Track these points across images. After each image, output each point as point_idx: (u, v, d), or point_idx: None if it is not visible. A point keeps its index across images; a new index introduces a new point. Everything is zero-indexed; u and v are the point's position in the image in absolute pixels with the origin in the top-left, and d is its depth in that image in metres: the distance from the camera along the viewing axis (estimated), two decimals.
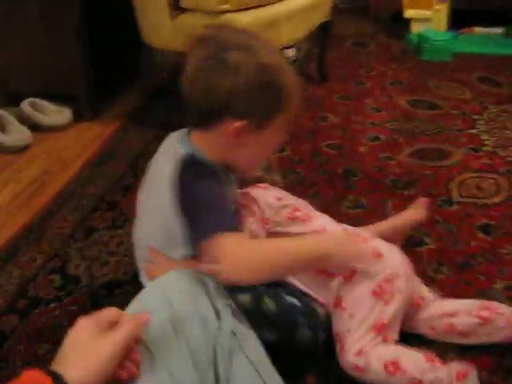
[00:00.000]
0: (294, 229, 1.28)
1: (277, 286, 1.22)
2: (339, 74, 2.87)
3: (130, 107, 2.56)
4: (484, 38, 3.35)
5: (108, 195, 1.93)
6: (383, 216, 1.71)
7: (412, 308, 1.29)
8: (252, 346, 0.96)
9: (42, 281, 1.55)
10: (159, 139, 2.18)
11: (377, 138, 2.27)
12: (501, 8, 3.48)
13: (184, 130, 1.16)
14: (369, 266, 1.21)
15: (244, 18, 2.04)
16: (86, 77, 2.41)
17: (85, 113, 2.45)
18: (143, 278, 1.25)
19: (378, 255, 1.23)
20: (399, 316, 1.23)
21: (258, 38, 1.08)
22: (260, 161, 1.27)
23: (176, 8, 2.08)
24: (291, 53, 2.85)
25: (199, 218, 1.01)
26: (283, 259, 1.04)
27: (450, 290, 1.45)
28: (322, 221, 1.33)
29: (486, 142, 2.25)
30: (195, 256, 1.06)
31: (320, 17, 2.45)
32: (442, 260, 1.59)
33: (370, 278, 1.21)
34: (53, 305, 1.46)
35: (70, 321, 0.82)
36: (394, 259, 1.26)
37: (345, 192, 1.91)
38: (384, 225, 1.52)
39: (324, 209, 1.42)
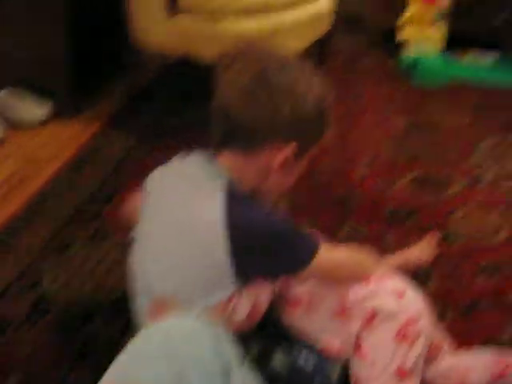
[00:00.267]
0: None
1: (287, 339, 1.12)
2: (334, 91, 2.75)
3: (113, 107, 2.40)
4: (478, 64, 3.29)
5: (89, 204, 1.76)
6: (383, 248, 1.63)
7: (429, 356, 1.19)
8: None
9: (9, 301, 1.38)
10: (143, 144, 2.10)
11: (375, 161, 2.18)
12: (494, 34, 3.45)
13: (207, 153, 1.06)
14: (390, 306, 1.11)
15: (247, 25, 1.92)
16: (68, 71, 2.25)
17: (65, 108, 2.28)
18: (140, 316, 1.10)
19: (400, 294, 1.14)
20: (422, 360, 1.14)
21: (297, 61, 1.05)
22: (288, 186, 1.16)
23: (173, 8, 1.94)
24: None
25: (292, 247, 1.00)
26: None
27: (455, 336, 1.35)
28: None
29: (486, 174, 2.16)
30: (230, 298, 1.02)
31: (322, 29, 2.35)
32: (446, 302, 1.49)
33: (392, 320, 1.11)
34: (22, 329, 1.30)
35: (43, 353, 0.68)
36: (417, 298, 1.17)
37: (342, 219, 1.80)
38: (395, 260, 1.43)
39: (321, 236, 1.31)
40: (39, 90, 2.27)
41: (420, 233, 1.74)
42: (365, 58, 3.28)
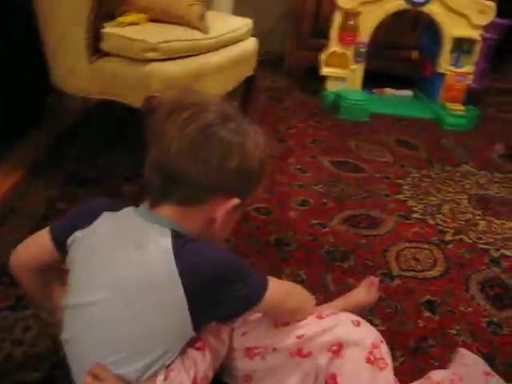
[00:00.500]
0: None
1: None
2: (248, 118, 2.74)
3: (33, 156, 2.25)
4: (395, 100, 3.39)
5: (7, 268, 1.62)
6: (325, 292, 1.63)
7: None
8: None
9: None
10: (66, 194, 1.99)
11: (306, 202, 2.15)
12: (408, 72, 3.58)
13: (142, 206, 1.02)
14: (353, 334, 1.11)
15: (172, 68, 1.86)
16: None
17: None
18: None
19: (356, 323, 1.14)
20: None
21: (239, 114, 1.03)
22: (226, 235, 1.16)
23: (95, 52, 1.86)
24: None
25: (245, 281, 0.98)
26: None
27: (405, 378, 1.31)
28: None
29: (415, 209, 2.20)
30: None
31: (248, 70, 2.33)
32: (394, 344, 1.46)
33: (359, 346, 1.10)
34: None
35: None
36: (371, 326, 1.17)
37: (280, 264, 1.75)
38: (334, 306, 1.38)
39: None
40: None
41: (358, 272, 1.73)
42: (289, 96, 3.31)
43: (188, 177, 0.95)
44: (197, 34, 2.01)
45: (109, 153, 2.32)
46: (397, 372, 1.32)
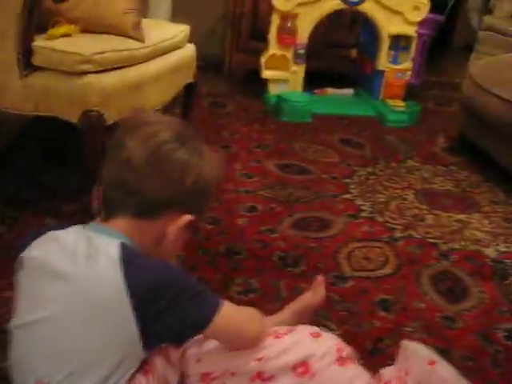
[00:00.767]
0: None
1: None
2: (202, 137, 2.69)
3: None
4: (336, 99, 3.41)
5: None
6: (278, 299, 1.61)
7: None
8: None
9: None
10: (7, 219, 1.91)
11: (254, 208, 2.13)
12: (349, 71, 3.61)
13: (92, 222, 1.04)
14: (316, 349, 1.08)
15: (107, 80, 1.81)
16: None
17: None
18: None
19: (317, 334, 1.12)
20: None
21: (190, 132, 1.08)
22: (178, 251, 1.18)
23: (26, 66, 1.79)
24: None
25: (196, 299, 0.96)
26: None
27: None
28: None
29: (363, 208, 2.21)
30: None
31: (187, 77, 2.29)
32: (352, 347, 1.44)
33: (326, 356, 1.08)
34: None
35: None
36: (329, 333, 1.19)
37: (231, 274, 1.72)
38: (285, 313, 1.37)
39: None
40: None
41: (311, 277, 1.70)
42: (231, 101, 3.29)
43: (144, 190, 0.98)
44: (132, 44, 1.96)
45: (48, 171, 2.24)
46: None
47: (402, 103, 3.24)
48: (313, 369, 1.06)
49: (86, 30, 1.95)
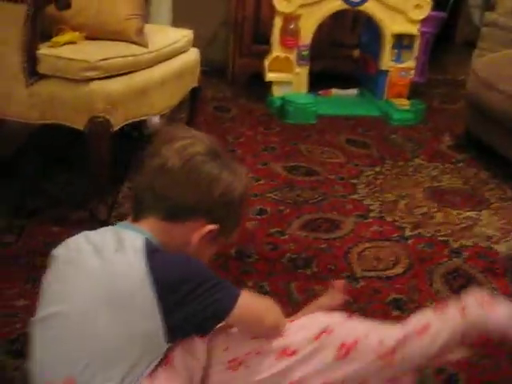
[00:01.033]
0: None
1: None
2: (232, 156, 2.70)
3: None
4: (341, 100, 3.40)
5: None
6: (290, 301, 1.61)
7: None
8: None
9: None
10: (15, 228, 1.91)
11: (263, 211, 2.12)
12: (352, 72, 3.60)
13: (123, 222, 1.10)
14: (332, 319, 1.14)
15: (113, 86, 1.81)
16: None
17: None
18: None
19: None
20: None
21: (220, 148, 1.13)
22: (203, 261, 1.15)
23: (32, 74, 1.79)
24: (156, 119, 2.64)
25: (215, 290, 1.00)
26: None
27: None
28: None
29: (372, 208, 2.20)
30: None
31: (192, 82, 2.29)
32: None
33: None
34: None
35: None
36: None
37: (243, 277, 1.71)
38: (300, 317, 1.34)
39: None
40: None
41: (322, 278, 1.71)
42: (235, 104, 3.28)
43: (173, 196, 1.04)
44: (136, 49, 1.96)
45: (54, 179, 2.24)
46: None
47: (406, 102, 3.23)
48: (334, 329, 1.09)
49: (89, 37, 1.96)
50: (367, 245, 1.94)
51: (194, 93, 2.38)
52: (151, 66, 1.98)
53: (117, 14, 1.98)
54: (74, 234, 1.11)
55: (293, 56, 3.13)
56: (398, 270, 1.81)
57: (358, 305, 1.62)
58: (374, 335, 1.11)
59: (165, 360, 0.99)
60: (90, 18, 1.96)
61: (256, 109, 3.21)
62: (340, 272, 1.77)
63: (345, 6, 3.09)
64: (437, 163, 2.66)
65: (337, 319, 1.13)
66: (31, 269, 1.70)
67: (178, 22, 2.85)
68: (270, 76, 3.17)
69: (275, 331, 1.09)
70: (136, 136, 2.58)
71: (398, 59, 3.24)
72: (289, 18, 3.04)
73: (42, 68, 1.80)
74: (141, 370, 0.95)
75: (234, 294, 1.02)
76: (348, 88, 3.48)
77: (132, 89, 1.86)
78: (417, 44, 3.24)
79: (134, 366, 0.95)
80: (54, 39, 1.88)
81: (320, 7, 3.05)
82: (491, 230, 2.08)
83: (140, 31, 2.01)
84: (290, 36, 3.07)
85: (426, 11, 3.14)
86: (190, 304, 0.97)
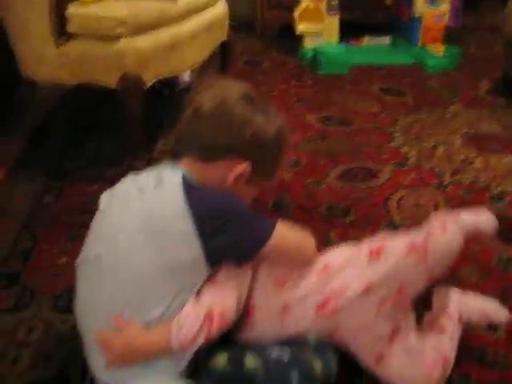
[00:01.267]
0: None
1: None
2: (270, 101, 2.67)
3: (12, 153, 2.17)
4: (373, 49, 3.32)
5: (4, 267, 1.57)
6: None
7: None
8: None
9: None
10: (51, 189, 1.94)
11: (298, 163, 2.10)
12: (385, 18, 3.51)
13: (164, 163, 1.14)
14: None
15: (143, 42, 1.80)
16: None
17: None
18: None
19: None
20: None
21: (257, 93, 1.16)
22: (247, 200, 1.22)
23: (61, 34, 1.78)
24: (187, 76, 2.62)
25: (252, 221, 1.06)
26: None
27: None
28: None
29: (409, 155, 2.16)
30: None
31: (221, 35, 2.26)
32: None
33: None
34: None
35: None
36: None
37: None
38: None
39: None
40: None
41: (361, 226, 1.70)
42: (266, 58, 3.24)
43: (207, 136, 1.08)
44: (165, 4, 1.94)
45: (87, 140, 2.25)
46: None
47: (441, 48, 3.14)
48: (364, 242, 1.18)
49: None
50: (406, 192, 1.91)
51: (224, 47, 2.35)
52: (180, 21, 1.95)
53: None
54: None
55: (322, 6, 3.06)
56: None
57: None
58: (401, 237, 1.19)
59: (210, 281, 1.04)
60: None
61: (288, 61, 3.17)
62: (379, 220, 1.75)
63: None
64: (474, 109, 2.59)
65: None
66: (71, 227, 1.73)
67: None
68: (300, 27, 3.11)
69: (311, 261, 1.14)
70: (168, 93, 2.56)
71: (432, 3, 3.13)
72: None
73: (71, 27, 1.79)
74: (185, 295, 1.01)
75: (271, 224, 1.07)
76: (380, 36, 3.39)
77: (162, 44, 1.84)
78: None
79: (181, 290, 1.01)
80: None
81: None
82: None
83: None
84: None
85: None
86: (227, 233, 1.01)
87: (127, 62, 1.76)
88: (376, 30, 3.41)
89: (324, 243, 1.61)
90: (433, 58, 3.05)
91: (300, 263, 1.13)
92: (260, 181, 1.17)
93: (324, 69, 2.96)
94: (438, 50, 3.10)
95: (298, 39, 3.18)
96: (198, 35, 2.00)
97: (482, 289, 1.47)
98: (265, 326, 1.11)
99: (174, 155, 1.13)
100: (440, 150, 2.20)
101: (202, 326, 0.98)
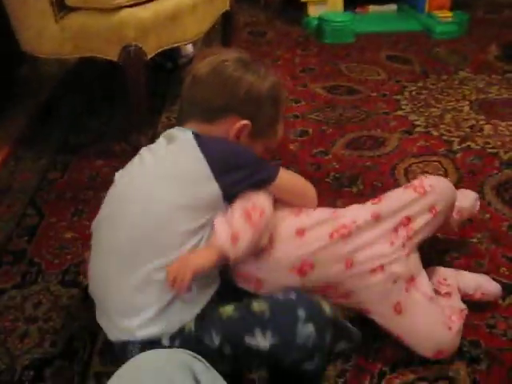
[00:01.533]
0: None
1: None
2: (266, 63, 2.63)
3: (18, 129, 2.16)
4: (379, 16, 3.26)
5: (10, 243, 1.57)
6: None
7: None
8: None
9: None
10: (59, 165, 1.93)
11: (305, 132, 2.08)
12: None
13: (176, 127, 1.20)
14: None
15: (143, 13, 1.76)
16: None
17: None
18: None
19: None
20: None
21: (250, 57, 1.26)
22: None
23: (61, 8, 1.75)
24: (190, 49, 2.59)
25: (259, 163, 1.16)
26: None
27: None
28: None
29: (417, 123, 2.13)
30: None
31: (223, 5, 2.21)
32: None
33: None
34: None
35: None
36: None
37: None
38: None
39: None
40: None
41: (369, 195, 1.67)
42: (270, 28, 3.20)
43: (206, 98, 1.17)
44: None
45: (94, 115, 2.24)
46: None
47: (449, 14, 3.08)
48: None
49: None
50: (414, 160, 1.89)
51: (226, 18, 2.31)
52: None
53: None
54: (117, 167, 1.18)
55: None
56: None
57: None
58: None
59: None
60: None
61: (292, 31, 3.12)
62: (387, 188, 1.69)
63: None
64: (483, 75, 2.54)
65: None
66: (77, 203, 1.72)
67: None
68: None
69: (315, 202, 1.25)
70: (171, 67, 2.54)
71: None
72: None
73: (70, 0, 1.76)
74: (205, 234, 1.07)
75: (276, 166, 1.19)
76: (386, 3, 3.33)
77: (163, 14, 1.81)
78: None
79: (199, 229, 1.06)
80: None
81: None
82: None
83: None
84: None
85: None
86: (239, 169, 1.11)
87: (128, 33, 1.73)
88: None
89: None
90: (440, 25, 2.99)
91: (304, 204, 1.22)
92: (261, 138, 1.22)
93: (329, 38, 2.92)
94: (446, 16, 3.04)
95: (303, 8, 3.12)
96: (199, 5, 1.96)
97: (492, 255, 1.46)
98: (280, 248, 1.13)
99: (179, 122, 1.20)
100: (448, 117, 2.17)
101: (244, 220, 1.06)
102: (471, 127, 2.09)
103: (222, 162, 1.10)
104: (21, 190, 1.79)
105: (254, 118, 1.18)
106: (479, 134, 2.05)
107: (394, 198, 1.23)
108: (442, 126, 2.10)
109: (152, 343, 0.99)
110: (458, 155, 1.91)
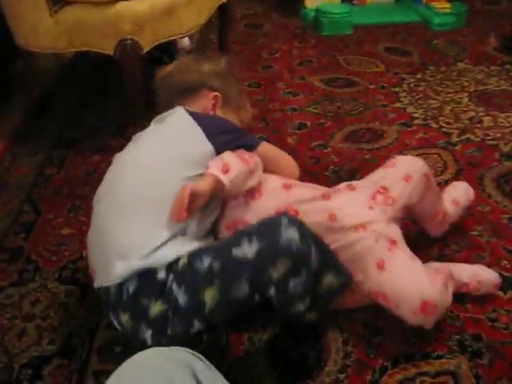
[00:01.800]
0: None
1: None
2: (242, 60, 2.62)
3: (13, 125, 2.14)
4: (377, 8, 3.24)
5: (6, 240, 1.55)
6: None
7: None
8: None
9: None
10: (54, 160, 1.91)
11: (303, 125, 2.07)
12: None
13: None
14: None
15: (139, 6, 1.74)
16: None
17: None
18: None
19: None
20: None
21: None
22: None
23: (56, 1, 1.73)
24: (186, 42, 2.57)
25: (244, 132, 1.37)
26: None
27: None
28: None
29: (416, 115, 2.12)
30: None
31: None
32: (418, 255, 1.38)
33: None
34: None
35: None
36: None
37: None
38: None
39: None
40: None
41: None
42: (267, 20, 3.17)
43: (178, 82, 1.47)
44: None
45: (89, 109, 2.22)
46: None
47: (447, 5, 3.05)
48: None
49: None
50: (413, 152, 1.87)
51: (223, 10, 2.29)
52: None
53: None
54: None
55: None
56: (447, 176, 1.75)
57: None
58: None
59: None
60: None
61: (289, 23, 3.10)
62: None
63: None
64: (482, 66, 2.52)
65: None
66: (74, 198, 1.71)
67: None
68: None
69: (297, 172, 1.41)
70: (167, 61, 2.51)
71: None
72: None
73: None
74: None
75: (258, 139, 1.39)
76: None
77: (159, 7, 1.78)
78: None
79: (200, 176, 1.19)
80: None
81: None
82: None
83: None
84: None
85: None
86: (229, 133, 1.30)
87: (124, 26, 1.71)
88: None
89: None
90: (438, 16, 2.97)
91: (289, 174, 1.37)
92: (234, 110, 1.47)
93: (326, 30, 2.90)
94: (444, 7, 3.02)
95: (299, 0, 3.10)
96: None
97: (493, 248, 1.45)
98: (269, 196, 1.26)
99: (160, 110, 1.38)
100: (447, 109, 2.16)
101: (235, 156, 1.22)
102: (470, 119, 2.08)
103: (212, 126, 1.28)
104: (17, 186, 1.78)
105: (222, 89, 1.45)
106: (478, 125, 2.04)
107: (368, 177, 1.36)
108: (440, 118, 2.09)
109: (148, 278, 1.04)
110: (458, 147, 1.90)
